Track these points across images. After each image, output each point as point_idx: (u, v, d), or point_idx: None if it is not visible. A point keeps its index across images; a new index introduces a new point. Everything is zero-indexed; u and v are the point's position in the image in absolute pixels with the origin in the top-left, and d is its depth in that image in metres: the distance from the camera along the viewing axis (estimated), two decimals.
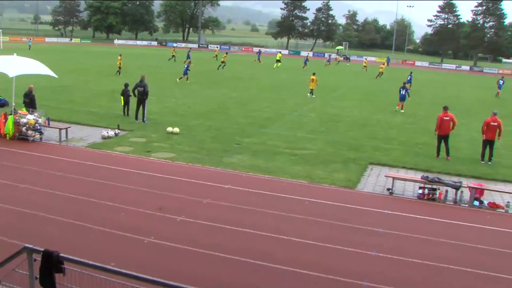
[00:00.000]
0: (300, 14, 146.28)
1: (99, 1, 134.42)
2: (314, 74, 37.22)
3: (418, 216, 13.15)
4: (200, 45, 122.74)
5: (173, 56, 66.33)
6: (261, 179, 15.51)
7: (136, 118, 23.11)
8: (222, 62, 56.22)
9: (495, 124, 19.06)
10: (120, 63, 45.06)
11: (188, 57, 59.53)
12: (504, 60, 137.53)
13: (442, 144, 19.57)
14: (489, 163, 19.13)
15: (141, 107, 23.12)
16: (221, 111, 27.45)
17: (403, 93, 32.21)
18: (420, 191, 14.77)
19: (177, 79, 41.29)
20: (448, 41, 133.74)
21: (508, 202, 14.44)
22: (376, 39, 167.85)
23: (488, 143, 19.22)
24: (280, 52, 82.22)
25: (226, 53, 62.60)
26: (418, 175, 16.12)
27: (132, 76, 39.15)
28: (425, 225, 12.55)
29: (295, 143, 20.65)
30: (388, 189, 15.13)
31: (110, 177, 14.72)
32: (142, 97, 22.96)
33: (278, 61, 67.79)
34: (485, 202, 14.52)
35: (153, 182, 14.45)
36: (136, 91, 23.17)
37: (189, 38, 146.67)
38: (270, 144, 20.12)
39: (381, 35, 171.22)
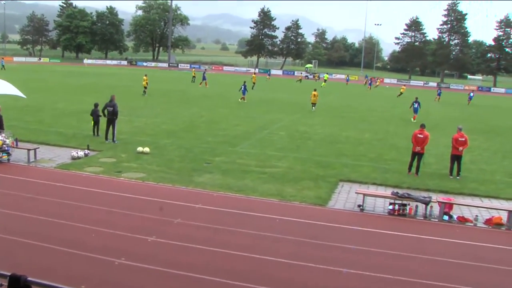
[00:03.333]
0: (269, 33, 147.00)
1: (68, 21, 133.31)
2: (315, 90, 41.84)
3: (389, 232, 13.29)
4: (170, 64, 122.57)
5: (193, 77, 68.79)
6: (231, 198, 15.48)
7: (106, 138, 22.83)
8: (253, 83, 60.49)
9: (463, 139, 19.45)
10: (146, 83, 46.00)
11: (204, 78, 62.33)
12: (469, 76, 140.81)
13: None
14: (458, 178, 19.44)
15: (110, 127, 22.92)
16: (191, 130, 27.37)
17: (416, 106, 38.49)
18: (391, 207, 14.91)
19: (239, 99, 44.58)
20: (416, 58, 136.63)
21: (476, 215, 14.70)
22: (345, 57, 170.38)
23: (456, 158, 19.55)
24: (327, 74, 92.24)
25: (255, 73, 66.89)
26: (388, 191, 16.25)
27: (103, 95, 38.87)
28: (396, 241, 12.68)
29: (265, 161, 20.68)
30: (359, 206, 15.23)
31: (80, 198, 14.49)
32: (112, 117, 22.73)
33: (325, 81, 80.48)
34: (455, 217, 14.75)
35: (123, 202, 14.30)
36: (105, 111, 22.98)
37: (159, 57, 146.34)
38: (240, 163, 20.11)
39: (350, 53, 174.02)
